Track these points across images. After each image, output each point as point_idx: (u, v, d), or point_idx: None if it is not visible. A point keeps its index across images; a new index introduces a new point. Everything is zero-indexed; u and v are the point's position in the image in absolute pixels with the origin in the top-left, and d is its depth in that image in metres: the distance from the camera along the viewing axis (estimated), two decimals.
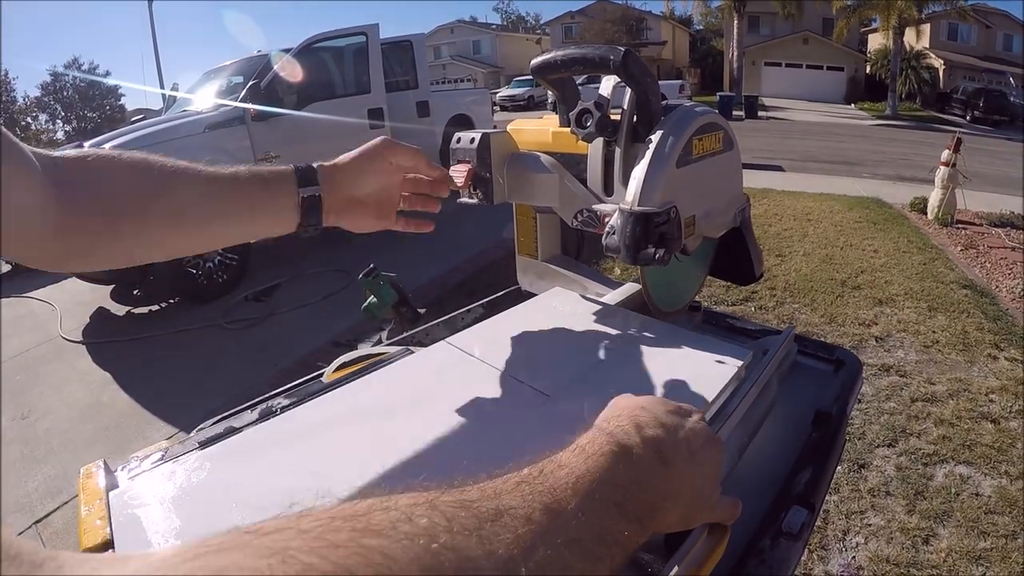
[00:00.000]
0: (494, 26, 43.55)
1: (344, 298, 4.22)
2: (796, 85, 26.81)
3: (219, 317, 4.19)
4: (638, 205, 0.58)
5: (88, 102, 29.29)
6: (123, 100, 31.46)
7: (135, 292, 4.92)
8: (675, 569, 0.41)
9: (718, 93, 20.53)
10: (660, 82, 22.89)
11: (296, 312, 4.18)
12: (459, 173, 0.73)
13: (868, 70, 27.14)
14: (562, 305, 0.86)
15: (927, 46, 25.43)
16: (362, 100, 5.22)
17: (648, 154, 0.59)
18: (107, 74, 34.25)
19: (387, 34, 6.17)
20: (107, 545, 0.46)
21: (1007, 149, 12.01)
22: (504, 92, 26.00)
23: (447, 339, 0.76)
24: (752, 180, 7.56)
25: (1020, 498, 1.98)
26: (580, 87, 0.75)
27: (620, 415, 0.40)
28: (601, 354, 0.70)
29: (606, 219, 0.63)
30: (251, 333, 3.95)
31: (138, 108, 25.04)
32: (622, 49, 0.58)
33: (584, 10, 34.32)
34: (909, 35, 23.17)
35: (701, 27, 35.26)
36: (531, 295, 1.13)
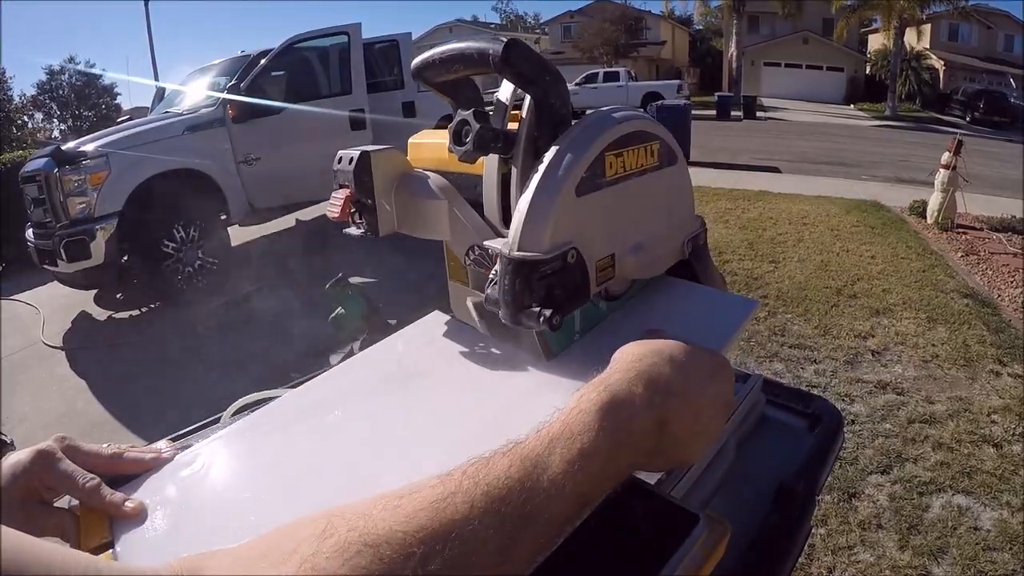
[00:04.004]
0: (493, 26, 43.44)
1: (326, 304, 4.12)
2: (795, 85, 26.64)
3: (199, 322, 4.11)
4: (518, 249, 0.44)
5: (84, 101, 29.14)
6: (119, 99, 31.32)
7: (117, 296, 4.86)
8: (676, 569, 0.40)
9: (716, 93, 20.38)
10: (658, 82, 22.81)
11: (276, 318, 4.06)
12: (335, 202, 0.59)
13: (868, 71, 26.97)
14: None
15: (927, 46, 25.26)
16: (343, 101, 5.10)
17: (535, 180, 0.45)
18: (104, 70, 34.16)
19: (384, 34, 6.07)
20: (108, 545, 0.46)
21: (1008, 151, 11.85)
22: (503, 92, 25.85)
23: (439, 309, 0.75)
24: (748, 182, 7.42)
25: (1021, 532, 1.83)
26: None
27: (635, 363, 0.39)
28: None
29: (498, 260, 0.49)
30: (229, 339, 3.85)
31: (134, 107, 24.90)
32: (504, 40, 0.44)
33: (583, 9, 34.12)
34: (909, 35, 23.02)
35: (701, 27, 35.10)
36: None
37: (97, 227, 4.10)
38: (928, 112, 22.46)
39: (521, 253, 0.43)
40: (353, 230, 0.63)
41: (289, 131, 4.96)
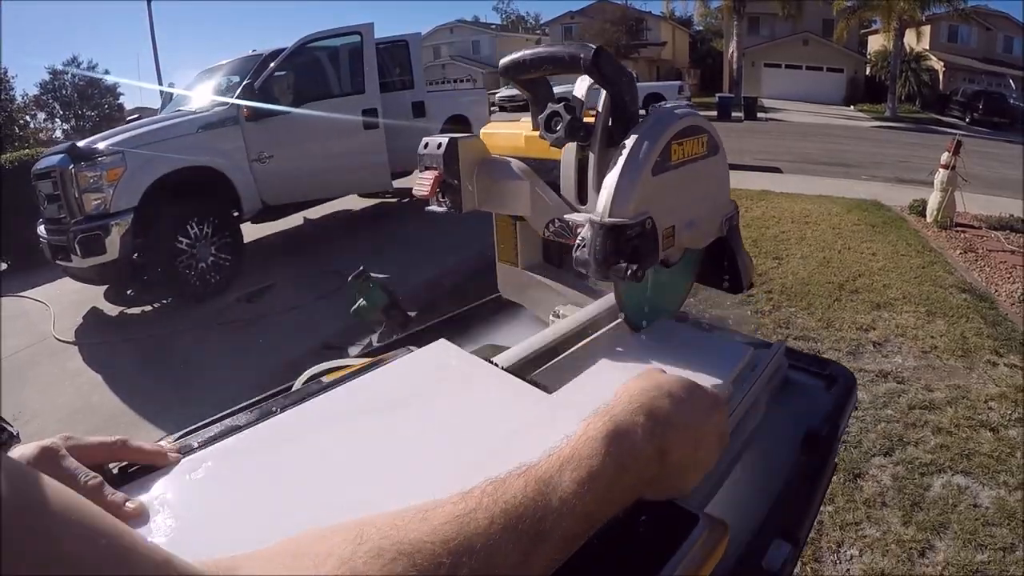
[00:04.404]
0: (494, 26, 43.53)
1: (337, 300, 4.19)
2: (796, 86, 26.77)
3: (212, 318, 4.17)
4: (609, 216, 0.53)
5: (87, 101, 29.21)
6: (122, 99, 31.43)
7: (128, 292, 4.90)
8: (675, 570, 0.41)
9: (717, 94, 20.50)
10: (659, 83, 22.95)
11: (289, 314, 4.14)
12: (424, 182, 0.68)
13: (868, 72, 27.11)
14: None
15: (927, 48, 25.40)
16: (356, 100, 5.18)
17: (620, 160, 0.55)
18: (106, 72, 34.28)
19: (387, 33, 6.15)
20: None
21: (1006, 151, 11.98)
22: (503, 92, 25.95)
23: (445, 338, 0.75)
24: (750, 182, 7.52)
25: (1019, 509, 1.94)
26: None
27: (637, 396, 0.42)
28: (602, 353, 0.68)
29: (578, 230, 0.58)
30: (243, 334, 3.91)
31: (137, 107, 24.97)
32: (593, 47, 0.54)
33: (584, 10, 34.27)
34: (909, 37, 23.17)
35: (701, 28, 35.25)
36: (511, 304, 1.09)
37: (112, 223, 4.13)
38: (928, 113, 22.60)
39: (612, 219, 0.53)
40: (436, 207, 0.73)
41: (302, 130, 5.03)
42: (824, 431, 0.72)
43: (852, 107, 24.47)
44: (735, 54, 24.16)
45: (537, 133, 0.69)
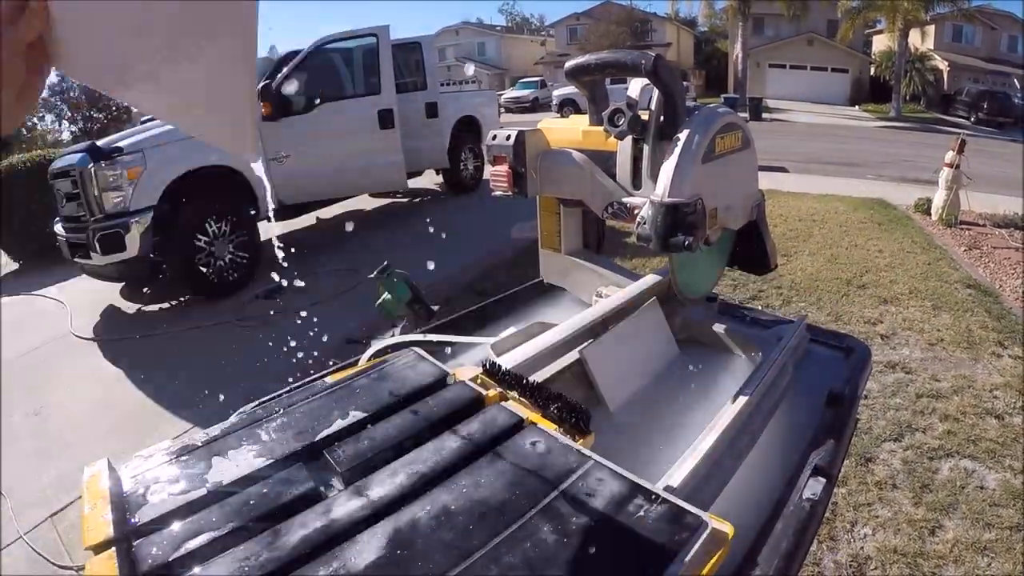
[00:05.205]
0: (499, 28, 43.63)
1: (354, 296, 4.27)
2: (800, 87, 26.78)
3: (230, 314, 4.23)
4: (668, 197, 0.63)
5: (94, 103, 29.37)
6: None
7: (145, 290, 4.94)
8: (680, 568, 0.42)
9: (722, 95, 20.55)
10: None
11: (307, 310, 4.20)
12: (500, 176, 0.78)
13: (872, 72, 27.12)
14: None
15: (931, 48, 25.40)
16: (373, 100, 5.27)
17: (677, 150, 0.64)
18: None
19: (392, 36, 6.24)
20: (110, 543, 0.49)
21: (1011, 151, 12.01)
22: (509, 94, 26.11)
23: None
24: None
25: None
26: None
27: None
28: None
29: (636, 211, 0.68)
30: (262, 330, 3.97)
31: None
32: (652, 55, 0.63)
33: (589, 12, 34.37)
34: (914, 37, 23.15)
35: (705, 29, 35.30)
36: (553, 287, 1.19)
37: (132, 220, 4.15)
38: (932, 113, 22.61)
39: (671, 199, 0.62)
40: (501, 192, 0.82)
41: (318, 130, 5.11)
42: (846, 391, 0.81)
43: (857, 107, 24.49)
44: (740, 55, 24.20)
45: (592, 127, 0.79)
